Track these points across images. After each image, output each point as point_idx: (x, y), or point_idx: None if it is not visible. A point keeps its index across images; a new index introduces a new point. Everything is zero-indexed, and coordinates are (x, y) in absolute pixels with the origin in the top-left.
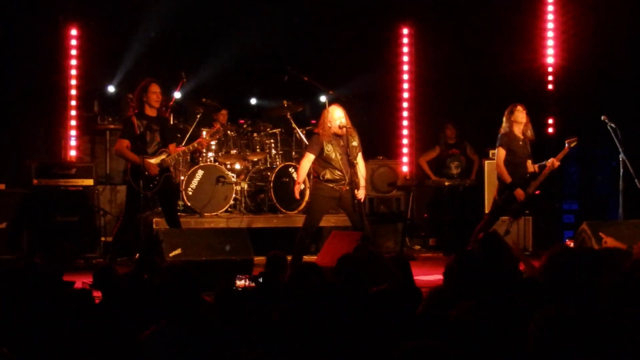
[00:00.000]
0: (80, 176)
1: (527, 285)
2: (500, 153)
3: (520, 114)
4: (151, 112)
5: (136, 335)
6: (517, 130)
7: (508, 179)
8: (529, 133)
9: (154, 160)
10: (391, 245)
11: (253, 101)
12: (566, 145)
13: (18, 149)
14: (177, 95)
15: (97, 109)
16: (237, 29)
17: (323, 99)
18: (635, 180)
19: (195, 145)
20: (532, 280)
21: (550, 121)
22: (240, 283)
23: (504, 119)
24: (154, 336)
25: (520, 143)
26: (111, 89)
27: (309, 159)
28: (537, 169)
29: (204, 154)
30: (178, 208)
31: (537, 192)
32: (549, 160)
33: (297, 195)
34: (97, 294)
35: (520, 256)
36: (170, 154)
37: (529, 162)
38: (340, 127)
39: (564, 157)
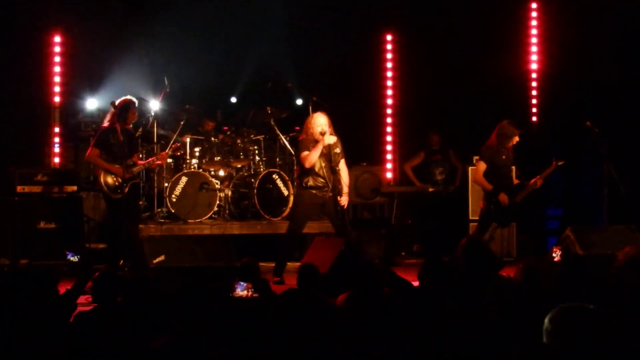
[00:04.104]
0: (64, 183)
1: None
2: (480, 166)
3: (514, 140)
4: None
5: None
6: (502, 147)
7: (489, 186)
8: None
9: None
10: (375, 252)
11: (233, 99)
12: (554, 163)
13: (1, 156)
14: (160, 102)
15: (80, 116)
16: (220, 35)
17: (299, 101)
18: (620, 186)
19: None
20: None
21: (535, 127)
22: (243, 293)
23: (496, 133)
24: (162, 348)
25: (504, 157)
26: (93, 103)
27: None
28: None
29: (188, 161)
30: (162, 214)
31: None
32: (533, 179)
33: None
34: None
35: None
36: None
37: (513, 175)
38: (321, 134)
39: (550, 173)
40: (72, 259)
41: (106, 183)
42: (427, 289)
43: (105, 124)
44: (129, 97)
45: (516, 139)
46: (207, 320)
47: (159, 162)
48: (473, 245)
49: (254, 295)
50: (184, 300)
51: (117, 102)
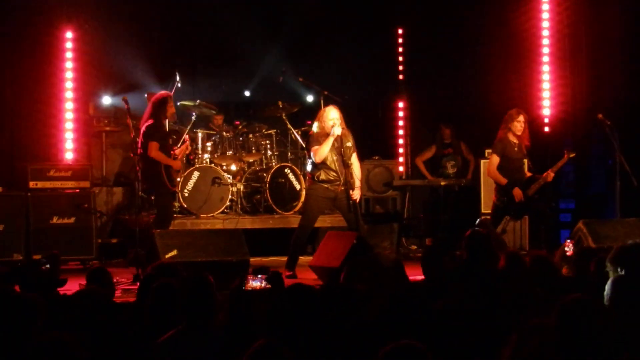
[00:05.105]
0: (76, 178)
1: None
2: (493, 160)
3: (519, 124)
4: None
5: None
6: (513, 137)
7: (503, 180)
8: (526, 141)
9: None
10: (387, 246)
11: (247, 93)
12: (565, 155)
13: (14, 152)
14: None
15: (92, 111)
16: (233, 30)
17: (310, 96)
18: (632, 178)
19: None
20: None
21: (546, 120)
22: (256, 285)
23: (502, 124)
24: (172, 340)
25: (516, 149)
26: (107, 100)
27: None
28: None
29: (200, 156)
30: (174, 210)
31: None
32: (545, 172)
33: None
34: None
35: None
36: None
37: (526, 168)
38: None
39: (562, 165)
40: (45, 266)
41: (168, 176)
42: (431, 280)
43: (151, 120)
44: (164, 92)
45: (520, 122)
46: (212, 313)
47: (187, 150)
48: (475, 238)
49: (267, 286)
50: (188, 294)
51: (153, 97)
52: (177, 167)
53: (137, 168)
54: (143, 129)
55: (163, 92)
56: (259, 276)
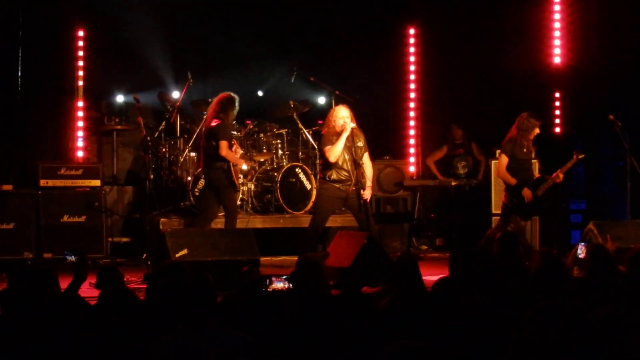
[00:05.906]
0: (87, 177)
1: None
2: (502, 160)
3: (535, 132)
4: None
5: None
6: (524, 139)
7: (513, 181)
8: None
9: None
10: (398, 246)
11: (260, 93)
12: (574, 156)
13: (25, 150)
14: (183, 95)
15: (104, 110)
16: (243, 29)
17: (322, 96)
18: None
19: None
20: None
21: (557, 120)
22: (279, 285)
23: (516, 125)
24: (172, 340)
25: (525, 150)
26: (120, 98)
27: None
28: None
29: None
30: (185, 208)
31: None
32: (554, 173)
33: None
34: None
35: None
36: None
37: (536, 169)
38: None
39: (571, 166)
40: (70, 258)
41: (236, 174)
42: (459, 280)
43: (217, 119)
44: (228, 93)
45: (537, 130)
46: (212, 313)
47: (239, 151)
48: (508, 239)
49: (290, 287)
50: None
51: (219, 97)
52: (240, 165)
53: (153, 166)
54: (209, 128)
55: (227, 93)
56: (283, 277)
